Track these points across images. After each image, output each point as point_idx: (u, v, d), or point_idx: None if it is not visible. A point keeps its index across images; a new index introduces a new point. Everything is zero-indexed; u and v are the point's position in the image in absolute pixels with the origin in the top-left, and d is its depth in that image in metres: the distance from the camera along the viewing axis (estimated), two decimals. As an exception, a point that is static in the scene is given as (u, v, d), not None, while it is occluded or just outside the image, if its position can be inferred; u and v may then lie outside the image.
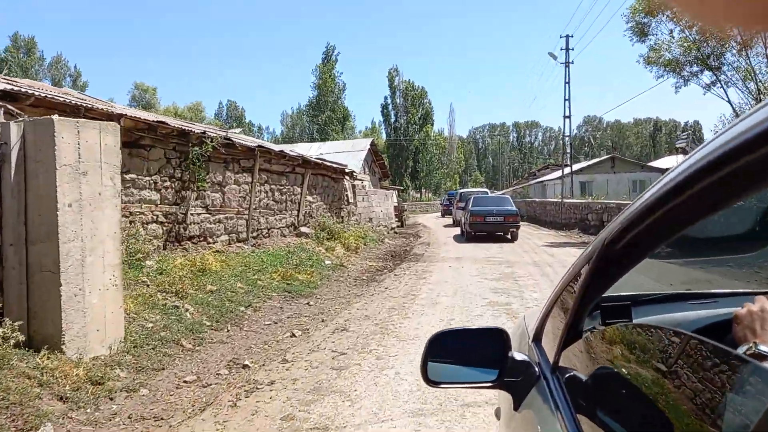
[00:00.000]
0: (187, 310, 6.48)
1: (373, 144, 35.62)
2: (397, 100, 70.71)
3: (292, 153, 13.13)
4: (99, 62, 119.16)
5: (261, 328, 6.53)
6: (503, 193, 34.45)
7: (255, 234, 11.56)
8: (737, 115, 16.19)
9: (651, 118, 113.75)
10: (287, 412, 3.91)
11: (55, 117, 4.64)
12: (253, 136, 67.08)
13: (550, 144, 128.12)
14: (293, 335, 6.18)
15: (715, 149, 0.62)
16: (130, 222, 7.95)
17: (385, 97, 71.14)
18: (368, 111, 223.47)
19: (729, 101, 21.04)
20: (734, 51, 19.23)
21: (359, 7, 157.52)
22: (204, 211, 9.74)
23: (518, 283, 9.36)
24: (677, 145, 42.81)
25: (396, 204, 29.88)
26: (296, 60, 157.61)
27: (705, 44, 18.91)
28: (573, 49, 29.05)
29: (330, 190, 16.20)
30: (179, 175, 8.97)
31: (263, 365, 5.08)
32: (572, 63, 29.01)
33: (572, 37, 29.02)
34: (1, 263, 4.71)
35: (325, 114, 67.12)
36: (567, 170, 30.81)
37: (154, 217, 8.45)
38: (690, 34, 18.95)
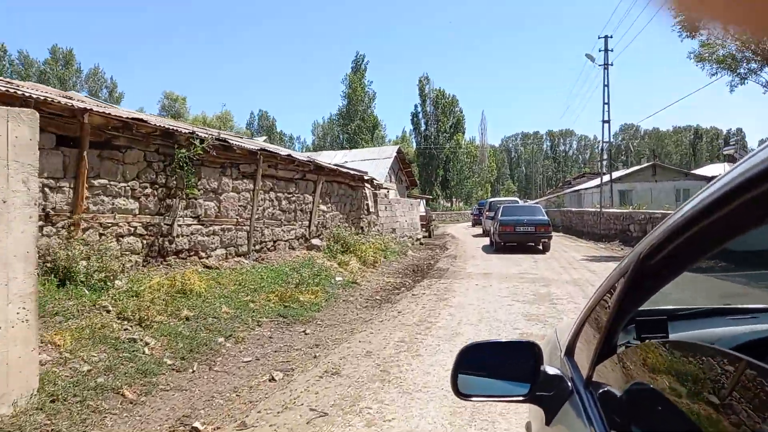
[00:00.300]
0: (146, 344, 5.30)
1: (399, 151, 34.39)
2: (428, 109, 69.45)
3: (301, 158, 11.94)
4: (132, 73, 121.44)
5: (237, 367, 5.29)
6: (536, 203, 32.85)
7: (258, 247, 10.40)
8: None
9: (691, 126, 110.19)
10: None
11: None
12: (284, 145, 66.88)
13: (584, 152, 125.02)
14: (272, 379, 4.91)
15: None
16: (100, 235, 6.86)
17: (415, 106, 70.01)
18: (398, 121, 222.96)
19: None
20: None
21: (391, 12, 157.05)
22: (195, 222, 8.61)
23: (556, 308, 7.93)
24: (725, 152, 40.35)
25: (423, 213, 28.55)
26: (329, 70, 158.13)
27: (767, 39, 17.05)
28: (612, 50, 27.27)
29: (348, 199, 14.96)
30: (163, 180, 7.86)
31: (218, 429, 3.84)
32: (611, 65, 27.22)
33: (611, 37, 27.26)
34: None
35: (354, 123, 66.29)
36: (605, 178, 28.91)
37: (131, 229, 7.34)
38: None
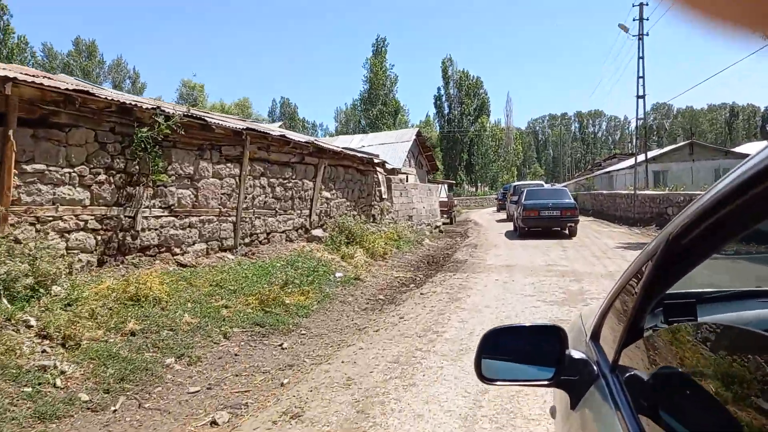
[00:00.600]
0: (61, 372, 4.14)
1: (419, 134, 32.92)
2: (451, 91, 67.29)
3: (298, 139, 10.66)
4: (152, 62, 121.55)
5: (177, 402, 4.09)
6: (565, 186, 31.13)
7: (247, 240, 9.21)
8: None
9: (726, 104, 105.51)
10: None
11: None
12: (306, 132, 65.68)
13: (614, 134, 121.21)
14: (214, 423, 3.70)
15: None
16: (37, 231, 5.72)
17: (438, 89, 67.83)
18: (422, 105, 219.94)
19: None
20: None
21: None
22: (166, 213, 7.44)
23: (591, 311, 6.55)
24: (767, 127, 37.73)
25: (444, 199, 27.11)
26: (353, 55, 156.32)
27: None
28: (647, 19, 25.18)
29: (356, 185, 13.66)
30: (122, 165, 6.69)
31: None
32: (647, 35, 25.15)
33: (647, 4, 25.14)
34: None
35: (376, 108, 64.68)
36: (640, 158, 26.97)
37: (80, 224, 6.19)
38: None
